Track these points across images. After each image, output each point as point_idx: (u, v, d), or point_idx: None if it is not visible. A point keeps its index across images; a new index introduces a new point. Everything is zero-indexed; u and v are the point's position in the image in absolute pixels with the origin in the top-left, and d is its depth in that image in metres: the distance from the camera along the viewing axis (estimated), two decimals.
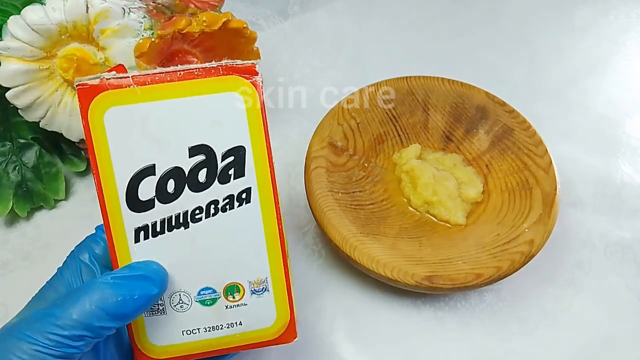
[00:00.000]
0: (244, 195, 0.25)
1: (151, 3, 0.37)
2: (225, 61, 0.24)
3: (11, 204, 0.40)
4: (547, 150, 0.39)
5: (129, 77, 0.23)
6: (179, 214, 0.24)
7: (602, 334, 0.37)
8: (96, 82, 0.23)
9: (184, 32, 0.36)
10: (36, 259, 0.40)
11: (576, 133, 0.47)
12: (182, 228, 0.25)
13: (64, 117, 0.38)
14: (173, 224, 0.25)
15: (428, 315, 0.37)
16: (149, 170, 0.24)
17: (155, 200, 0.24)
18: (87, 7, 0.35)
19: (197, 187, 0.24)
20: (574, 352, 0.36)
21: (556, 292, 0.39)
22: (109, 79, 0.23)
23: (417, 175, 0.40)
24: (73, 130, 0.39)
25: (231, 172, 0.25)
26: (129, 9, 0.36)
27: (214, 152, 0.24)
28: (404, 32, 0.55)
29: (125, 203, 0.24)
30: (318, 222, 0.37)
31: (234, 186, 0.25)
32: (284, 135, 0.47)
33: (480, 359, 0.36)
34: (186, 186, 0.24)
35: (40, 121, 0.38)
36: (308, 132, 0.42)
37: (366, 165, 0.42)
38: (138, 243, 0.25)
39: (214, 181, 0.24)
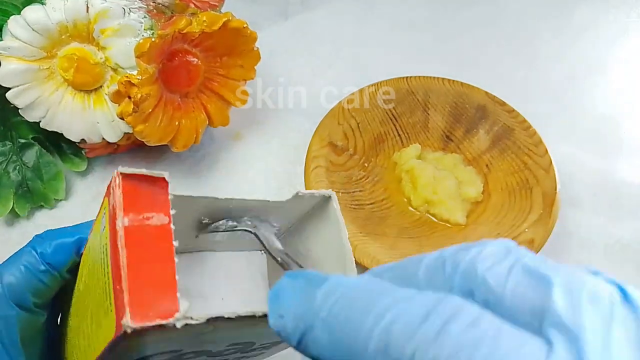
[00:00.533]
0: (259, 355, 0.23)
1: (151, 3, 0.37)
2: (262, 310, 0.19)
3: (12, 203, 0.40)
4: (547, 150, 0.39)
5: (209, 320, 0.16)
6: None
7: None
8: (165, 325, 0.15)
9: (184, 32, 0.36)
10: None
11: (576, 133, 0.47)
12: None
13: (64, 117, 0.38)
14: None
15: None
16: (172, 352, 0.19)
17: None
18: (88, 7, 0.35)
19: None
20: None
21: None
22: (182, 325, 0.15)
23: (417, 175, 0.40)
24: (73, 130, 0.39)
25: (258, 350, 0.22)
26: (129, 8, 0.36)
27: (254, 344, 0.21)
28: (404, 32, 0.55)
29: None
30: None
31: (255, 354, 0.23)
32: (283, 135, 0.47)
33: None
34: (205, 356, 0.21)
35: (40, 121, 0.38)
36: (308, 132, 0.42)
37: (366, 165, 0.42)
38: None
39: (236, 353, 0.22)
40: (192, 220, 0.20)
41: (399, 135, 0.44)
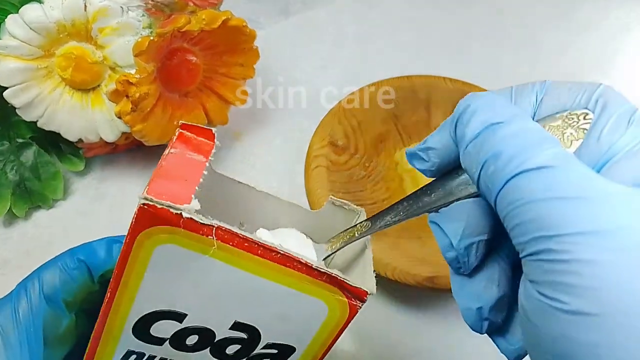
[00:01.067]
0: None
1: (150, 1, 0.37)
2: (337, 272, 0.19)
3: (9, 203, 0.39)
4: None
5: (213, 226, 0.18)
6: None
7: None
8: (171, 211, 0.17)
9: (183, 30, 0.36)
10: (35, 258, 0.39)
11: None
12: None
13: (62, 116, 0.38)
14: None
15: (429, 316, 0.37)
16: (176, 316, 0.20)
17: (167, 342, 0.21)
18: (86, 6, 0.35)
19: (220, 356, 0.21)
20: None
21: None
22: (189, 218, 0.17)
23: (418, 175, 0.40)
24: (71, 130, 0.39)
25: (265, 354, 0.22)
26: (128, 7, 0.36)
27: (259, 339, 0.21)
28: (405, 31, 0.54)
29: (132, 326, 0.20)
30: None
31: None
32: (284, 134, 0.46)
33: (481, 359, 0.35)
34: (209, 349, 0.21)
35: (38, 120, 0.38)
36: (308, 131, 0.42)
37: (367, 164, 0.42)
38: None
39: (241, 359, 0.21)
40: (231, 216, 0.22)
41: (401, 134, 0.44)
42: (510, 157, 0.16)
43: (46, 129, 0.39)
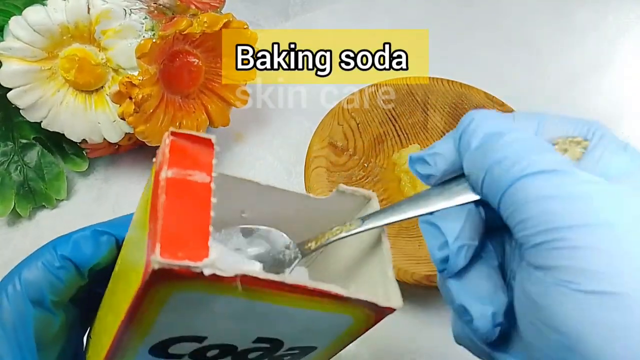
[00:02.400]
0: None
1: (152, 4, 0.38)
2: (366, 296, 0.19)
3: (13, 203, 0.40)
4: None
5: (237, 276, 0.16)
6: None
7: None
8: (192, 269, 0.15)
9: (185, 32, 0.36)
10: None
11: None
12: None
13: (65, 117, 0.39)
14: None
15: (427, 314, 0.38)
16: (195, 339, 0.19)
17: (187, 356, 0.20)
18: (89, 8, 0.35)
19: None
20: None
21: None
22: (212, 274, 0.15)
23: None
24: (74, 130, 0.39)
25: (287, 358, 0.21)
26: (131, 9, 0.36)
27: (282, 346, 0.20)
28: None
29: (148, 348, 0.19)
30: None
31: None
32: (284, 135, 0.47)
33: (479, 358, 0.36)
34: (230, 357, 0.20)
35: (42, 121, 0.39)
36: (308, 132, 0.42)
37: (366, 165, 0.43)
38: None
39: None
40: (233, 210, 0.21)
41: (399, 135, 0.44)
42: (514, 162, 0.18)
43: (50, 129, 0.39)
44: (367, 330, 0.21)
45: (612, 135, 0.20)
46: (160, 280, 0.15)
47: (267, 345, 0.20)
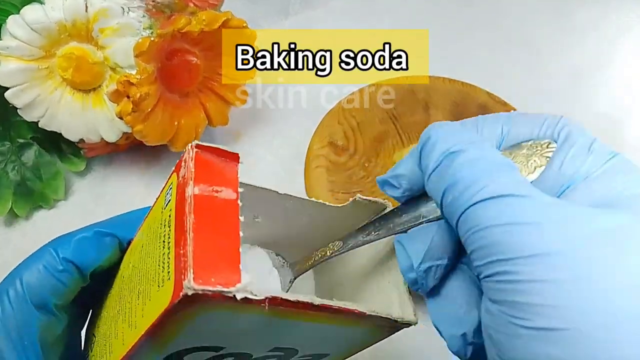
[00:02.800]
0: None
1: (150, 2, 0.37)
2: (387, 314, 0.19)
3: (10, 203, 0.40)
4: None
5: (267, 299, 0.16)
6: None
7: None
8: (225, 294, 0.15)
9: (183, 31, 0.36)
10: None
11: None
12: None
13: (63, 117, 0.38)
14: None
15: (427, 314, 0.37)
16: (212, 348, 0.19)
17: None
18: (87, 6, 0.35)
19: None
20: None
21: None
22: (243, 298, 0.15)
23: None
24: (72, 130, 0.39)
25: None
26: (129, 8, 0.36)
27: (297, 353, 0.21)
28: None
29: (163, 357, 0.19)
30: None
31: None
32: (284, 134, 0.47)
33: None
34: None
35: (39, 121, 0.38)
36: (308, 131, 0.42)
37: (367, 164, 0.42)
38: None
39: None
40: (246, 215, 0.21)
41: (400, 134, 0.44)
42: (466, 187, 0.17)
43: (47, 129, 0.39)
44: (381, 340, 0.21)
45: (579, 132, 0.19)
46: (191, 304, 0.15)
47: (282, 353, 0.20)
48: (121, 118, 0.36)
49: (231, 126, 0.44)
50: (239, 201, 0.17)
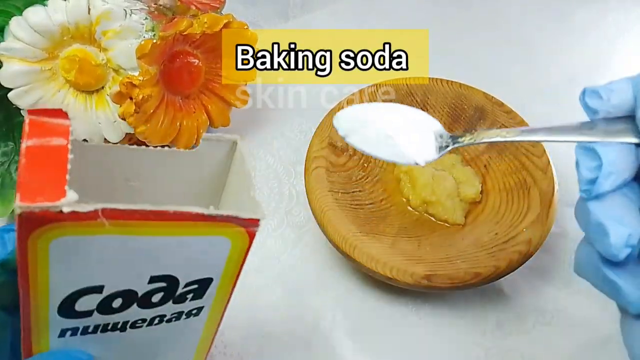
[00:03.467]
0: (194, 312, 0.23)
1: (152, 5, 0.38)
2: (229, 212, 0.20)
3: (13, 204, 0.40)
4: (545, 151, 0.40)
5: (98, 210, 0.17)
6: (119, 322, 0.22)
7: (599, 334, 0.37)
8: (50, 211, 0.17)
9: (185, 33, 0.36)
10: None
11: None
12: (118, 332, 0.22)
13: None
14: (109, 329, 0.22)
15: (427, 314, 0.38)
16: (94, 289, 0.20)
17: (95, 311, 0.21)
18: (89, 9, 0.36)
19: (148, 306, 0.22)
20: (571, 351, 0.36)
21: (554, 291, 0.39)
22: (69, 212, 0.17)
23: (415, 176, 0.40)
24: (75, 131, 0.39)
25: (189, 295, 0.22)
26: (131, 10, 0.36)
27: (178, 282, 0.22)
28: None
29: (56, 310, 0.20)
30: (318, 221, 0.37)
31: (188, 305, 0.23)
32: (284, 135, 0.47)
33: (478, 357, 0.36)
34: (135, 304, 0.22)
35: None
36: (308, 132, 0.43)
37: (366, 165, 0.43)
38: (62, 338, 0.22)
39: (167, 302, 0.22)
40: (119, 179, 0.23)
41: None
42: None
43: None
44: (248, 249, 0.22)
45: None
46: (29, 226, 0.17)
47: (164, 284, 0.21)
48: (124, 119, 0.37)
49: (232, 126, 0.44)
50: (69, 145, 0.19)
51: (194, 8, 0.39)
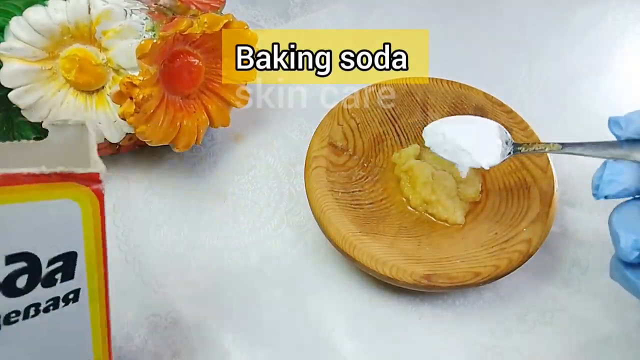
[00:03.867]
0: (71, 296, 0.22)
1: (153, 5, 0.38)
2: (62, 168, 0.19)
3: None
4: None
5: None
6: None
7: (599, 333, 0.37)
8: None
9: (185, 33, 0.37)
10: None
11: (574, 133, 0.48)
12: None
13: (66, 118, 0.39)
14: None
15: (427, 314, 0.38)
16: None
17: None
18: (89, 8, 0.36)
19: (14, 293, 0.21)
20: (571, 351, 0.36)
21: (554, 290, 0.39)
22: None
23: (416, 175, 0.40)
24: None
25: (58, 276, 0.21)
26: (131, 10, 0.37)
27: (39, 259, 0.21)
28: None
29: None
30: (318, 221, 0.37)
31: (61, 289, 0.22)
32: (284, 135, 0.47)
33: (477, 357, 0.36)
34: (1, 292, 0.20)
35: (42, 121, 0.39)
36: (308, 132, 0.43)
37: (365, 165, 0.43)
38: None
39: (35, 286, 0.21)
40: None
41: (398, 135, 0.44)
42: None
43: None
44: (103, 212, 0.21)
45: None
46: None
47: (24, 264, 0.20)
48: (124, 119, 0.37)
49: (232, 127, 0.44)
50: None
51: (194, 8, 0.39)
